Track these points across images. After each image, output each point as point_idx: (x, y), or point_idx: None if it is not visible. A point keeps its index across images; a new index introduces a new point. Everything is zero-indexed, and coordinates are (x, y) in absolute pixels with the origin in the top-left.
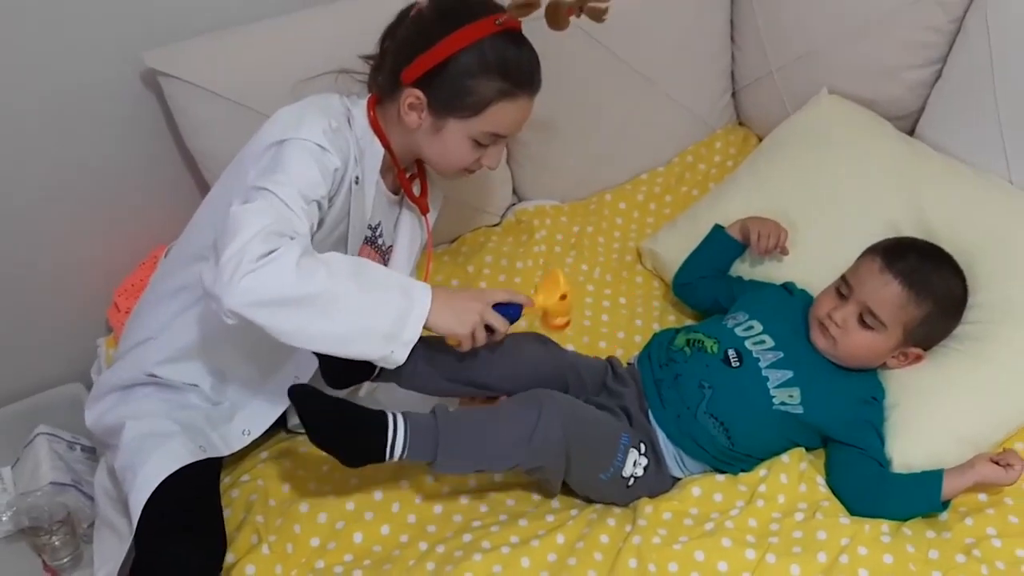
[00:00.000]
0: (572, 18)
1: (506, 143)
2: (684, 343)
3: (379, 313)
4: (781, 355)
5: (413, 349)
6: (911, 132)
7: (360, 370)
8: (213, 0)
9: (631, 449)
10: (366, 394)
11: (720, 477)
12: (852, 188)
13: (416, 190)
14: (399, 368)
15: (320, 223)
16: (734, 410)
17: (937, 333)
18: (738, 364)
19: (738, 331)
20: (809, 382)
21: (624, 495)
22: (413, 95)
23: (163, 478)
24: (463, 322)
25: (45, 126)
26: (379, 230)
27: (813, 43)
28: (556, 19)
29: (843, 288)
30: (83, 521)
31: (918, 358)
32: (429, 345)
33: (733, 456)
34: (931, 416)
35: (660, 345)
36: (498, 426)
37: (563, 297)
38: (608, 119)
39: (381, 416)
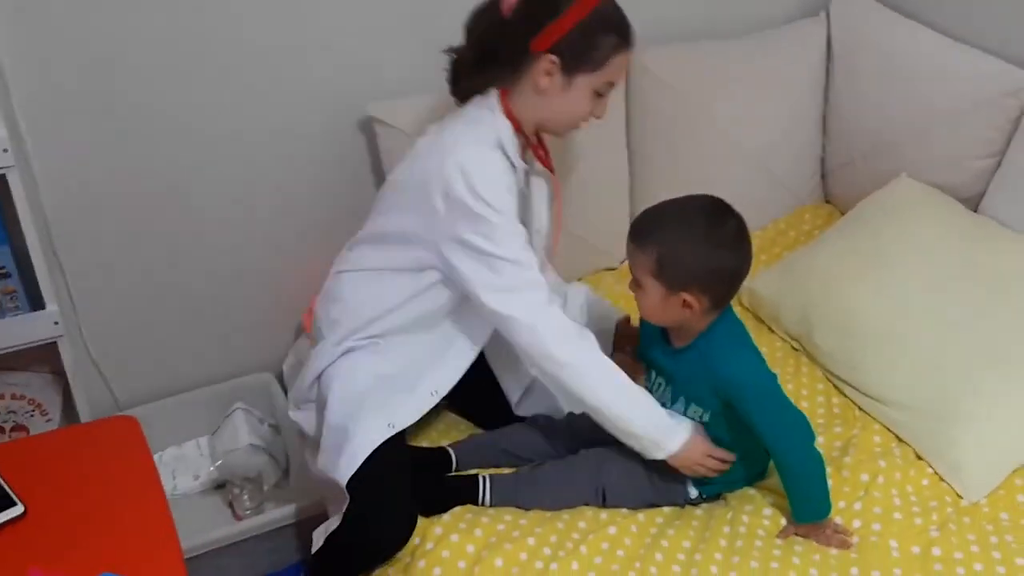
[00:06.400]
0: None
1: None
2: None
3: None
4: (669, 389)
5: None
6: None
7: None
8: (428, 67)
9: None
10: None
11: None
12: (910, 254)
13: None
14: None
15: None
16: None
17: (689, 268)
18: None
19: (655, 393)
20: (685, 390)
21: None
22: (548, 60)
23: (361, 461)
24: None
25: (271, 156)
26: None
27: (890, 136)
28: None
29: None
30: (267, 481)
31: (696, 303)
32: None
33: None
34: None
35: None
36: (569, 485)
37: None
38: (716, 189)
39: (473, 479)
